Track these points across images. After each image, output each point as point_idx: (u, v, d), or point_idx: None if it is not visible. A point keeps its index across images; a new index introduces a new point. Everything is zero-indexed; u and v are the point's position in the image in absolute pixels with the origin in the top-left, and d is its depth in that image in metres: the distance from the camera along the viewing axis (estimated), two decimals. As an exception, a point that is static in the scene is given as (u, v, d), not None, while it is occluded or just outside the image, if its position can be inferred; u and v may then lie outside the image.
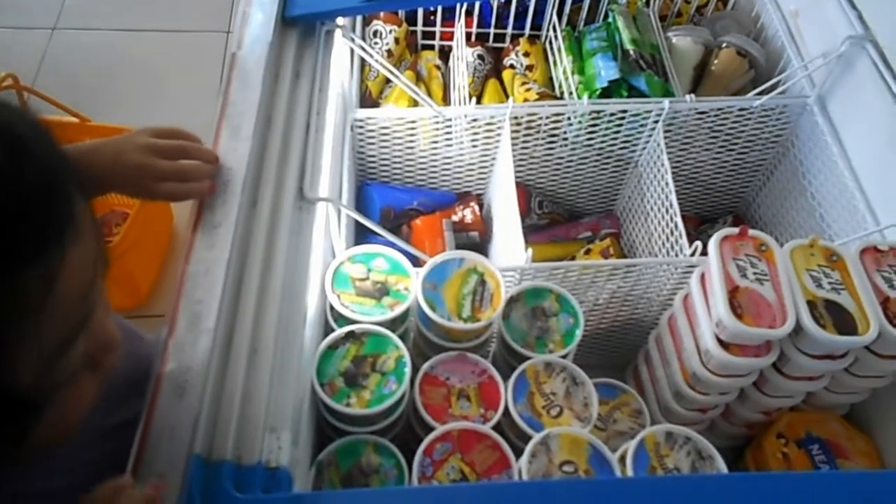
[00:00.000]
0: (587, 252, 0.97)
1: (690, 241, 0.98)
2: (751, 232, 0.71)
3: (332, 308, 0.68)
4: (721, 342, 0.69)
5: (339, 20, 0.79)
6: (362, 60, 0.97)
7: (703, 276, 0.73)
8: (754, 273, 0.69)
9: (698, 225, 1.09)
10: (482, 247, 0.98)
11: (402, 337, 0.71)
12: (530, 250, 0.75)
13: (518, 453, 0.62)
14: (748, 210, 1.07)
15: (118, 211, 1.59)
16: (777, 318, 0.67)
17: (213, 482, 0.44)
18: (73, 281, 0.32)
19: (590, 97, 0.92)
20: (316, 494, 0.51)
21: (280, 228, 0.58)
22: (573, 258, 0.99)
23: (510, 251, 0.81)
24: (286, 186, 0.61)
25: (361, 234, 0.88)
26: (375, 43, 1.03)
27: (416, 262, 0.72)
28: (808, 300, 0.67)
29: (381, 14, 1.05)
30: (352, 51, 0.90)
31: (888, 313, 0.67)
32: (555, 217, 1.04)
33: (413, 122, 0.90)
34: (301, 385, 0.58)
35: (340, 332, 0.65)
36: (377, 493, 0.46)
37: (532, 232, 1.02)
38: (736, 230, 0.72)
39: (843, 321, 0.66)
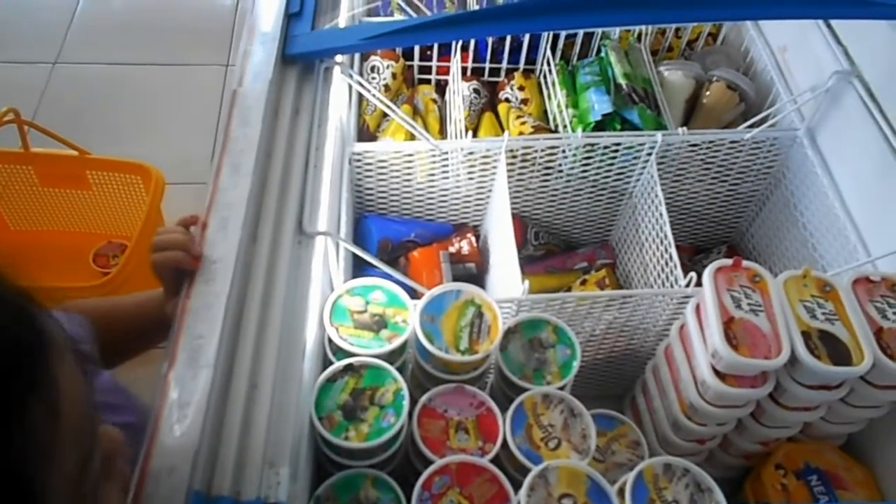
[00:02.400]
0: (583, 283, 0.98)
1: (685, 271, 0.99)
2: (744, 263, 0.72)
3: (330, 341, 0.68)
4: (717, 373, 0.70)
5: (338, 57, 0.81)
6: (360, 95, 0.99)
7: (698, 307, 0.74)
8: (748, 304, 0.70)
9: (693, 254, 1.10)
10: (479, 278, 0.98)
11: (401, 369, 0.72)
12: (527, 282, 0.75)
13: (517, 486, 0.61)
14: (742, 240, 1.08)
15: (115, 242, 1.60)
16: (772, 349, 0.67)
17: (211, 518, 0.44)
18: (72, 397, 0.33)
19: (584, 130, 0.94)
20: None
21: (279, 263, 0.59)
22: (569, 289, 0.99)
23: (507, 283, 0.81)
24: (286, 221, 0.61)
25: (359, 267, 0.88)
26: (373, 78, 1.05)
27: (414, 294, 0.72)
28: (802, 330, 0.68)
29: (379, 50, 1.07)
30: (350, 86, 0.91)
31: (882, 343, 0.68)
32: (551, 248, 1.05)
33: (410, 155, 0.91)
34: (299, 419, 0.58)
35: (339, 365, 0.65)
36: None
37: (528, 263, 1.03)
38: (730, 261, 0.73)
39: (837, 351, 0.67)
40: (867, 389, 0.70)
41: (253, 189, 0.59)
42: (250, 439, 0.49)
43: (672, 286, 0.81)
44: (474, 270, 0.97)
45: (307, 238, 0.64)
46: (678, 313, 0.81)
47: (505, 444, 0.66)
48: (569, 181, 0.98)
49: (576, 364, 0.72)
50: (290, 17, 0.76)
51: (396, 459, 0.67)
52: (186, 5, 2.16)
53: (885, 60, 0.78)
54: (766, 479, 0.78)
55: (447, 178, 0.96)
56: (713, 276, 0.71)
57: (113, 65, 2.02)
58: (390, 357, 0.68)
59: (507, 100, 1.09)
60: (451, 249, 0.96)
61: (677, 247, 1.08)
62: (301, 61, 0.74)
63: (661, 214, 0.87)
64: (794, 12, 0.75)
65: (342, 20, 0.87)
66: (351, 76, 0.83)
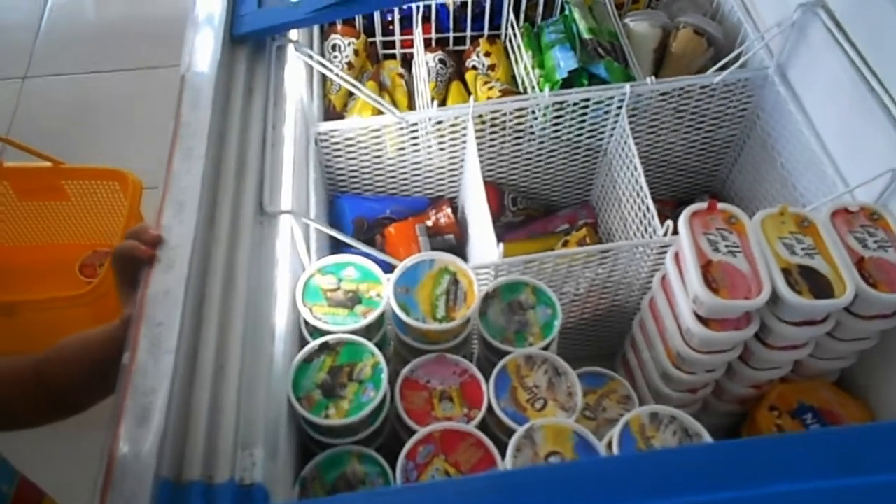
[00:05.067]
0: (564, 244, 0.97)
1: (664, 222, 0.98)
2: (719, 205, 0.71)
3: (306, 322, 0.67)
4: (700, 319, 0.68)
5: (293, 34, 0.79)
6: (324, 76, 0.97)
7: (677, 255, 0.73)
8: (726, 246, 0.69)
9: (675, 207, 1.08)
10: (460, 249, 0.97)
11: (382, 345, 0.71)
12: (502, 245, 0.74)
13: (505, 450, 0.61)
14: (723, 187, 1.06)
15: (101, 251, 1.59)
16: (752, 289, 0.66)
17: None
18: None
19: (551, 89, 0.92)
20: (290, 505, 0.50)
21: (240, 245, 0.58)
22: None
23: (484, 249, 0.80)
24: (245, 202, 0.60)
25: (337, 249, 0.87)
26: (335, 56, 1.03)
27: (391, 270, 0.71)
28: (782, 268, 0.67)
29: (339, 27, 1.05)
30: (310, 66, 0.90)
31: (864, 273, 0.66)
32: (531, 213, 1.03)
33: (377, 130, 0.90)
34: (276, 400, 0.57)
35: (314, 344, 0.64)
36: (352, 498, 0.45)
37: (509, 230, 1.02)
38: (705, 205, 0.71)
39: (819, 285, 0.66)
40: (853, 321, 0.69)
41: (207, 172, 0.58)
42: (220, 423, 0.48)
43: (651, 237, 0.80)
44: (454, 242, 0.96)
45: (269, 218, 0.62)
46: (659, 264, 0.79)
47: (490, 408, 0.65)
48: (542, 143, 0.96)
49: (557, 323, 0.71)
50: (237, -3, 0.74)
51: (383, 434, 0.67)
52: (152, 11, 2.14)
53: (848, -13, 0.76)
54: (760, 422, 0.77)
55: (418, 150, 0.94)
56: (688, 220, 0.70)
57: (83, 74, 2.00)
58: (367, 332, 0.67)
59: (473, 67, 1.07)
60: (428, 223, 0.95)
61: (659, 200, 1.07)
62: (251, 41, 0.72)
63: (635, 167, 0.86)
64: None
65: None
66: (309, 56, 0.82)
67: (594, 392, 0.76)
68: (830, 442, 0.39)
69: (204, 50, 0.67)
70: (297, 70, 0.81)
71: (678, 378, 0.76)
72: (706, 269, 0.67)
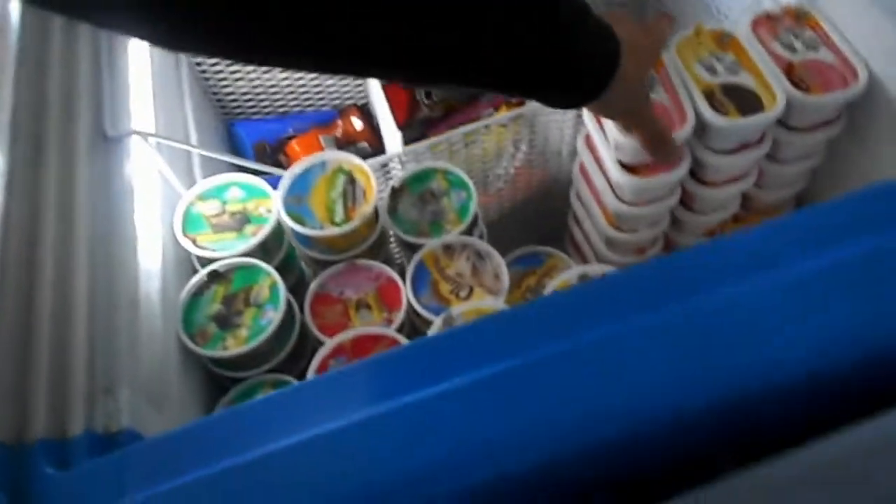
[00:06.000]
0: (487, 127, 0.89)
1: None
2: None
3: (195, 255, 0.60)
4: (625, 167, 0.62)
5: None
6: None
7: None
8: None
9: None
10: (378, 155, 0.89)
11: (288, 265, 0.64)
12: (399, 133, 0.67)
13: (429, 346, 0.55)
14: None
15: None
16: (676, 122, 0.59)
17: (24, 467, 0.37)
18: None
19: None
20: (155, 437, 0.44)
21: (77, 174, 0.50)
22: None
23: (389, 140, 0.73)
24: (78, 127, 0.52)
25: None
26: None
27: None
28: (703, 91, 0.59)
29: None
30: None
31: (793, 79, 0.59)
32: (450, 104, 0.95)
33: (257, 41, 0.81)
34: (158, 340, 0.51)
35: (202, 274, 0.57)
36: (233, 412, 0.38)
37: (428, 127, 0.94)
38: None
39: (746, 102, 0.59)
40: (792, 136, 0.62)
41: (21, 97, 0.50)
42: (66, 371, 0.41)
43: (568, 95, 0.72)
44: (369, 150, 0.88)
45: (114, 143, 0.55)
46: (582, 123, 0.72)
47: (411, 307, 0.59)
48: (444, 23, 0.87)
49: (472, 205, 0.64)
50: None
51: (303, 357, 0.61)
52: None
53: None
54: (716, 270, 0.71)
55: (311, 58, 0.85)
56: None
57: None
58: (261, 252, 0.60)
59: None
60: (337, 134, 0.87)
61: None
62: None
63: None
64: None
65: None
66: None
67: (534, 272, 0.71)
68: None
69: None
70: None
71: (621, 240, 0.69)
72: None
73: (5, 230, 0.44)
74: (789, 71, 0.60)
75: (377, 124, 0.90)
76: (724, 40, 0.62)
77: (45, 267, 0.45)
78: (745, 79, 0.60)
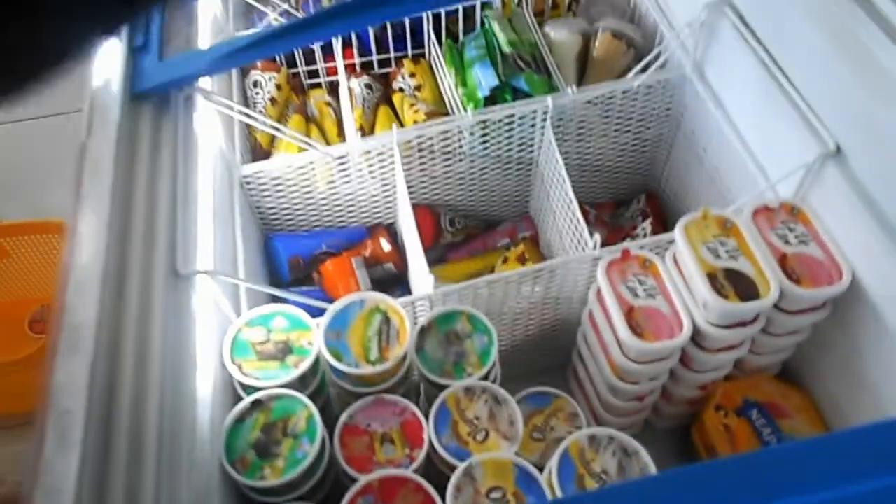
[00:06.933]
0: (504, 261, 0.96)
1: (606, 228, 0.98)
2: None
3: (238, 381, 0.66)
4: (635, 331, 0.69)
5: (204, 82, 0.78)
6: (246, 115, 0.95)
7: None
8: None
9: (615, 208, 1.09)
10: (401, 277, 0.96)
11: (321, 392, 0.70)
12: (432, 277, 0.74)
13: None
14: (659, 186, 1.07)
15: (49, 305, 1.55)
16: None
17: None
18: None
19: (475, 108, 0.92)
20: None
21: (153, 314, 0.56)
22: (493, 270, 0.98)
23: (420, 279, 0.79)
24: (155, 268, 0.59)
25: (276, 298, 0.85)
26: (257, 93, 1.02)
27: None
28: (707, 273, 0.67)
29: (259, 63, 1.03)
30: (232, 108, 0.88)
31: (787, 270, 0.67)
32: (470, 231, 1.03)
33: (303, 166, 0.89)
34: (205, 469, 0.56)
35: (245, 402, 0.63)
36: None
37: (450, 250, 1.01)
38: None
39: (744, 287, 0.66)
40: (783, 318, 0.69)
41: (111, 243, 0.56)
42: (137, 490, 0.46)
43: (583, 250, 0.80)
44: (394, 270, 0.95)
45: (184, 280, 0.61)
46: (594, 275, 0.79)
47: (432, 446, 0.64)
48: (472, 161, 0.96)
49: (494, 350, 0.70)
50: (136, 52, 0.72)
51: (327, 484, 0.66)
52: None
53: (749, -16, 0.77)
54: (708, 423, 0.77)
55: (349, 181, 0.93)
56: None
57: (8, 124, 1.93)
58: (301, 383, 0.66)
59: (400, 89, 1.06)
60: (366, 253, 0.93)
61: (598, 204, 1.07)
62: (155, 96, 0.71)
63: (563, 179, 0.85)
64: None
65: (204, 44, 0.84)
66: (221, 104, 0.80)
67: (541, 412, 0.76)
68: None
69: (103, 112, 0.65)
70: (211, 117, 0.79)
71: (623, 389, 0.76)
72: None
73: (92, 373, 0.49)
74: (783, 261, 0.68)
75: (403, 246, 0.97)
76: (728, 226, 0.71)
77: (123, 404, 0.50)
78: (744, 265, 0.68)
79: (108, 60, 0.69)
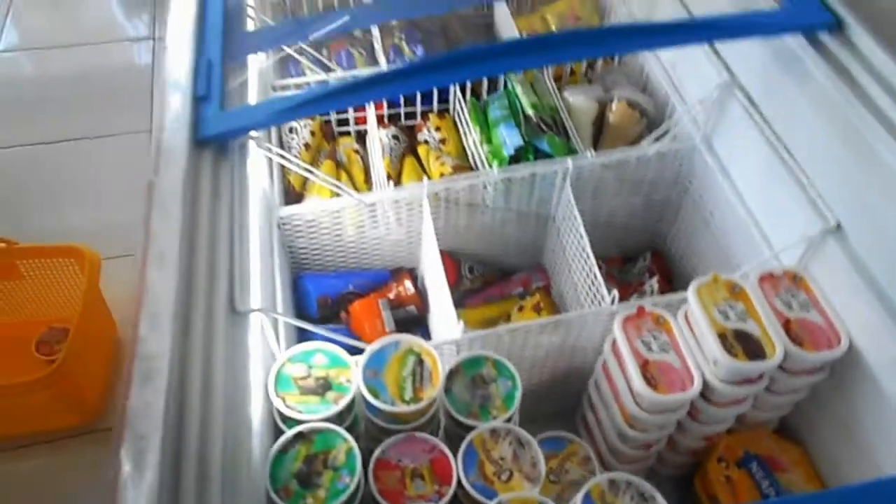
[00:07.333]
0: (520, 309, 1.02)
1: (615, 281, 1.04)
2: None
3: (279, 412, 0.70)
4: (649, 383, 0.74)
5: (253, 132, 0.84)
6: (287, 160, 1.01)
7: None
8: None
9: (623, 263, 1.15)
10: (422, 319, 1.01)
11: (354, 425, 0.74)
12: (461, 323, 0.79)
13: (476, 524, 0.64)
14: (665, 244, 1.14)
15: (57, 327, 1.57)
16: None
17: None
18: None
19: (499, 165, 0.98)
20: None
21: (216, 348, 0.60)
22: (508, 316, 1.03)
23: (446, 324, 0.85)
24: (217, 306, 0.63)
25: (304, 332, 0.90)
26: (293, 138, 1.08)
27: (356, 351, 0.74)
28: (718, 333, 0.73)
29: (295, 110, 1.09)
30: (279, 155, 0.94)
31: (791, 334, 0.73)
32: (487, 278, 1.08)
33: (336, 211, 0.94)
34: (256, 496, 0.60)
35: (289, 434, 0.67)
36: None
37: (467, 296, 1.07)
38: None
39: (752, 348, 0.72)
40: (785, 377, 0.75)
41: (181, 280, 0.61)
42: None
43: (599, 304, 0.86)
44: (416, 312, 1.00)
45: (241, 317, 0.65)
46: (610, 327, 0.85)
47: (460, 484, 0.69)
48: (494, 214, 1.02)
49: (517, 395, 0.75)
50: (199, 100, 0.78)
51: (358, 516, 0.69)
52: (100, 73, 2.13)
53: (759, 71, 0.85)
54: (711, 474, 0.82)
55: (377, 227, 0.99)
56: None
57: (28, 146, 1.98)
58: (339, 418, 0.70)
59: (425, 142, 1.13)
60: (390, 296, 0.98)
61: (608, 258, 1.14)
62: (214, 142, 0.76)
63: (581, 236, 0.92)
64: (677, 41, 0.81)
65: (252, 92, 0.90)
66: (269, 149, 0.86)
67: (556, 456, 0.81)
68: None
69: (169, 155, 0.70)
70: (258, 162, 0.85)
71: (632, 436, 0.81)
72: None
73: (167, 401, 0.53)
74: (787, 326, 0.74)
75: (423, 289, 1.03)
76: (736, 290, 0.77)
77: (191, 432, 0.54)
78: (752, 327, 0.74)
79: (174, 107, 0.75)
